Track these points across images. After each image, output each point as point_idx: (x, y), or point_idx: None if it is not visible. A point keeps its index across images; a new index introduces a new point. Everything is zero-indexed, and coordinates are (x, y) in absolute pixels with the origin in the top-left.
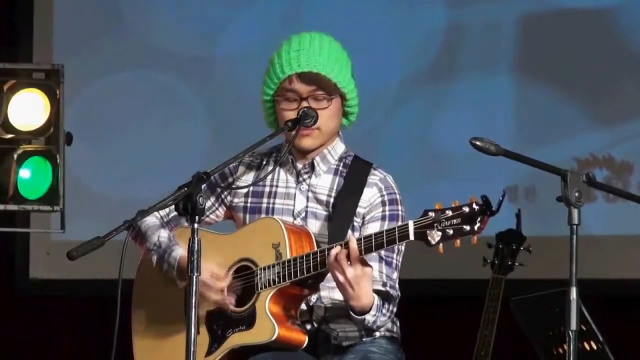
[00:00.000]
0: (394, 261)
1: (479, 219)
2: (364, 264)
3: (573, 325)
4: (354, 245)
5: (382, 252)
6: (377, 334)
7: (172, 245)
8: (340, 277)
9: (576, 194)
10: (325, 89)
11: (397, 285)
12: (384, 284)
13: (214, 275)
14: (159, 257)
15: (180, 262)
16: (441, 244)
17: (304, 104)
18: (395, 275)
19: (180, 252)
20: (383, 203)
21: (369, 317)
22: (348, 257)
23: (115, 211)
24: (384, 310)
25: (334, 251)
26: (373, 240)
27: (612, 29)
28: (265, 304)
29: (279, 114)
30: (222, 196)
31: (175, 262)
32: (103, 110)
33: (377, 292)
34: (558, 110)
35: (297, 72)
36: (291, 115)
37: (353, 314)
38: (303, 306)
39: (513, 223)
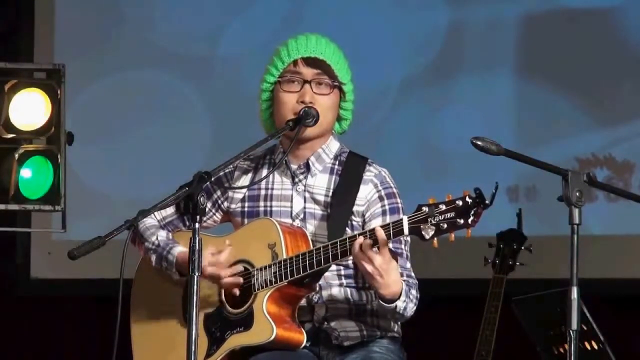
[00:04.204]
0: (404, 252)
1: (472, 212)
2: (391, 252)
3: (574, 324)
4: (382, 233)
5: (391, 246)
6: (379, 333)
7: (170, 244)
8: (369, 267)
9: (577, 194)
10: (329, 76)
11: (413, 273)
12: (401, 274)
13: (215, 253)
14: (157, 256)
15: (178, 258)
16: (436, 239)
17: (307, 87)
18: (408, 264)
19: (179, 249)
20: (381, 198)
21: (400, 304)
22: (371, 246)
23: (116, 211)
24: (410, 297)
25: (357, 241)
26: (368, 237)
27: (613, 28)
28: (263, 304)
29: (278, 100)
30: (219, 202)
31: (174, 258)
32: (104, 110)
33: None
34: (559, 110)
35: (304, 56)
36: (292, 98)
37: (383, 303)
38: (304, 305)
39: (514, 223)
